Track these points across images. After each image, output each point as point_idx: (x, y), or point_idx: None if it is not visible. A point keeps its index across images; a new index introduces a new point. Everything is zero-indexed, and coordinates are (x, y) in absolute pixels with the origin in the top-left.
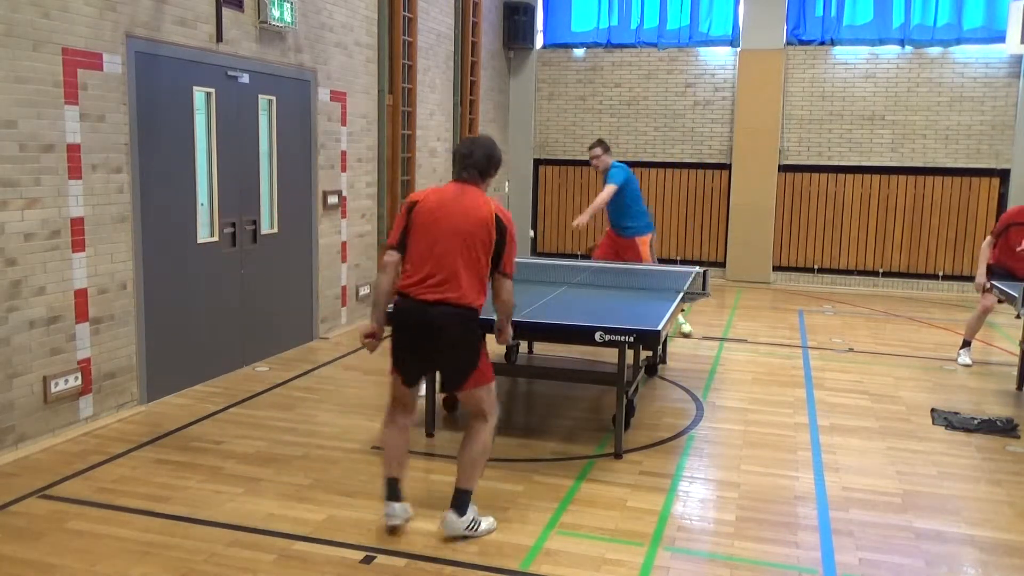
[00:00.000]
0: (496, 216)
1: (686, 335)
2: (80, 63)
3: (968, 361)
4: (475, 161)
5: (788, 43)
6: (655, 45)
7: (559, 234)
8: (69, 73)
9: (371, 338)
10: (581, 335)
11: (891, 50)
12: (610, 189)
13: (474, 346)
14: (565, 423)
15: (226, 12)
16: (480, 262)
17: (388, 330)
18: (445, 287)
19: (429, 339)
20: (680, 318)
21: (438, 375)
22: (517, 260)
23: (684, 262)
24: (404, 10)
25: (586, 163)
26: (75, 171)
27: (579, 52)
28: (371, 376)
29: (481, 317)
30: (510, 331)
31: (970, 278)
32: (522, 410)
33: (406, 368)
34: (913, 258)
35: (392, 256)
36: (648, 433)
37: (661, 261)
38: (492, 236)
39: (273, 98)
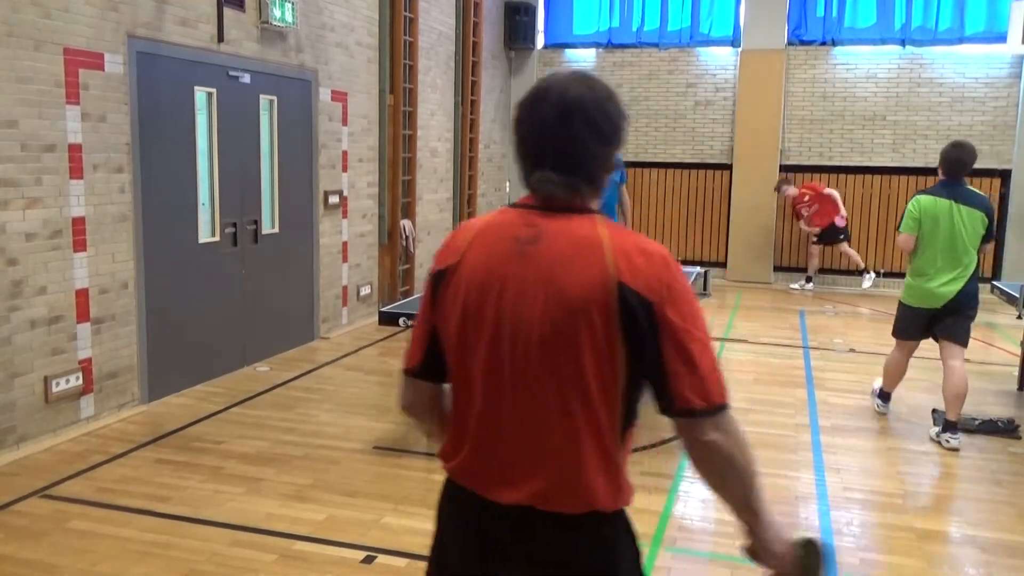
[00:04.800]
0: (619, 281)
1: None
2: (81, 63)
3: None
4: (565, 142)
5: (789, 43)
6: (656, 45)
7: None
8: (70, 73)
9: None
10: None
11: (892, 50)
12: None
13: None
14: None
15: (227, 12)
16: (595, 399)
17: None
18: (523, 473)
19: None
20: None
21: None
22: None
23: (685, 262)
24: (405, 10)
25: None
26: (76, 171)
27: (580, 52)
28: (372, 376)
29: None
30: (776, 534)
31: None
32: None
33: None
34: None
35: (415, 391)
36: (649, 433)
37: None
38: (614, 326)
39: (274, 98)
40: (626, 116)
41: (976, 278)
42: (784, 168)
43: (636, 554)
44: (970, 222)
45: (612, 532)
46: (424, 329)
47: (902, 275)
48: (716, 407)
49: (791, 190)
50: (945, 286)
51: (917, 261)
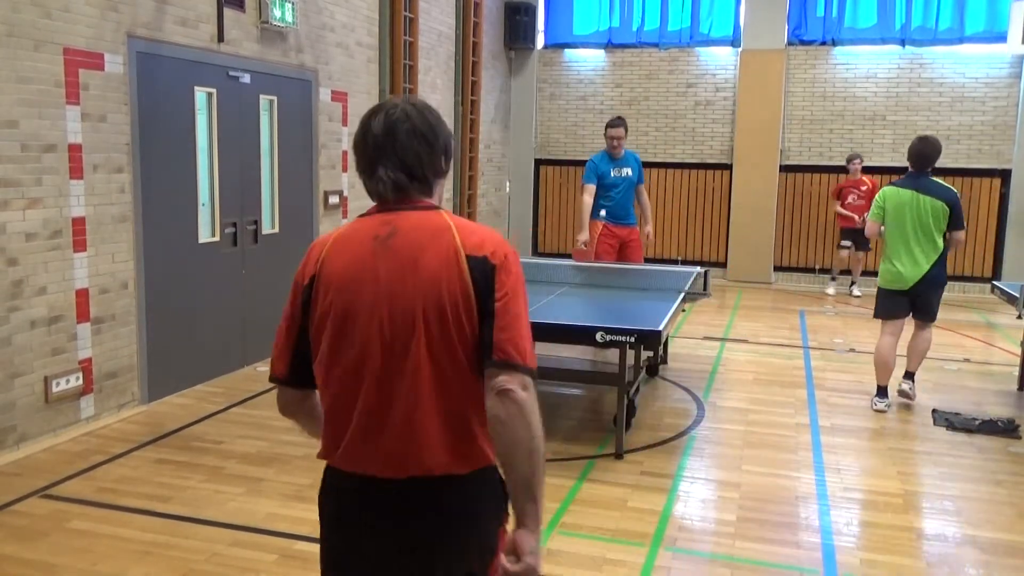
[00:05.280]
0: (465, 252)
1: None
2: (81, 63)
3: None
4: (401, 153)
5: (789, 43)
6: (656, 45)
7: (560, 235)
8: (71, 73)
9: None
10: (582, 335)
11: (892, 50)
12: (642, 187)
13: (488, 553)
14: (566, 423)
15: (227, 12)
16: (462, 364)
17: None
18: (417, 445)
19: (404, 550)
20: None
21: None
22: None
23: (685, 262)
24: (405, 10)
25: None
26: (76, 171)
27: (580, 52)
28: None
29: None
30: (538, 540)
31: (971, 279)
32: None
33: None
34: None
35: (285, 399)
36: (649, 433)
37: (662, 261)
38: (468, 298)
39: (274, 98)
40: (447, 133)
41: (942, 262)
42: (784, 168)
43: (504, 509)
44: (932, 211)
45: (488, 483)
46: (289, 337)
47: None
48: (528, 368)
49: (858, 168)
50: (911, 269)
51: (887, 247)
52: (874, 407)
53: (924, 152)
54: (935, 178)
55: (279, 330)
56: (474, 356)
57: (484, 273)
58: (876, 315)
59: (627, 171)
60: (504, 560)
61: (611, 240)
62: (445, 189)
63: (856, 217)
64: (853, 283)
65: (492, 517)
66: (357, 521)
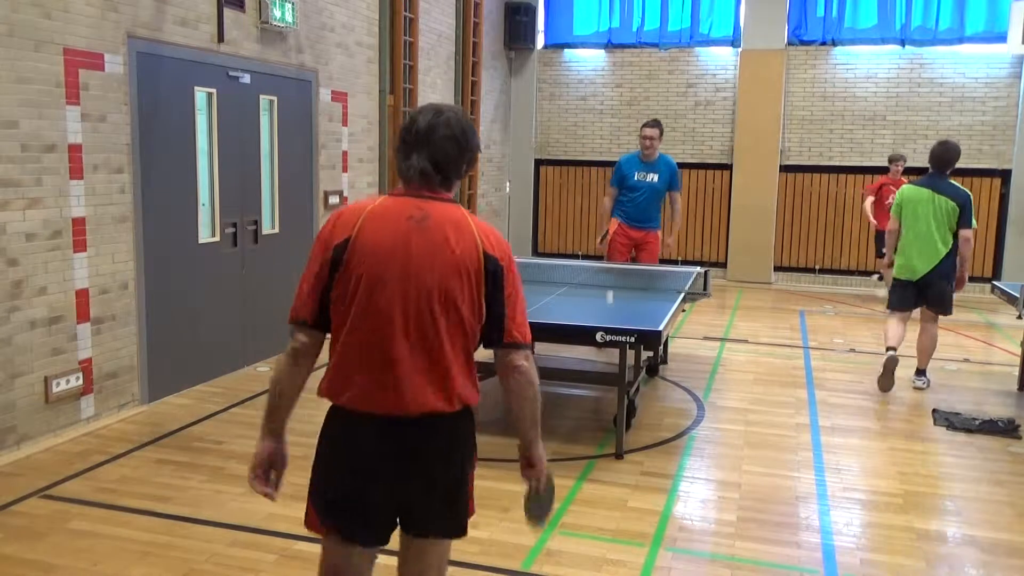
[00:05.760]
0: (484, 251)
1: None
2: (81, 63)
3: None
4: (436, 150)
5: (789, 43)
6: (656, 45)
7: (560, 234)
8: (70, 73)
9: (261, 480)
10: (582, 335)
11: (892, 50)
12: (677, 195)
13: (464, 475)
14: (566, 423)
15: (227, 12)
16: (468, 333)
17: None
18: (426, 388)
19: (387, 478)
20: None
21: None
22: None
23: (685, 262)
24: (405, 10)
25: (587, 163)
26: (76, 171)
27: (580, 53)
28: None
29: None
30: (543, 456)
31: (971, 279)
32: None
33: (354, 520)
34: None
35: (304, 340)
36: (649, 433)
37: (662, 262)
38: (480, 286)
39: (274, 98)
40: (476, 139)
41: (951, 256)
42: (784, 168)
43: (474, 441)
44: (945, 210)
45: (467, 421)
46: (315, 288)
47: None
48: (528, 344)
49: (899, 169)
50: (922, 263)
51: (901, 240)
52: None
53: (943, 156)
54: (952, 180)
55: (304, 279)
56: (473, 329)
57: (495, 271)
58: (889, 306)
59: (653, 177)
60: (522, 469)
61: (624, 240)
62: None
63: (877, 219)
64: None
65: (469, 442)
66: (372, 451)
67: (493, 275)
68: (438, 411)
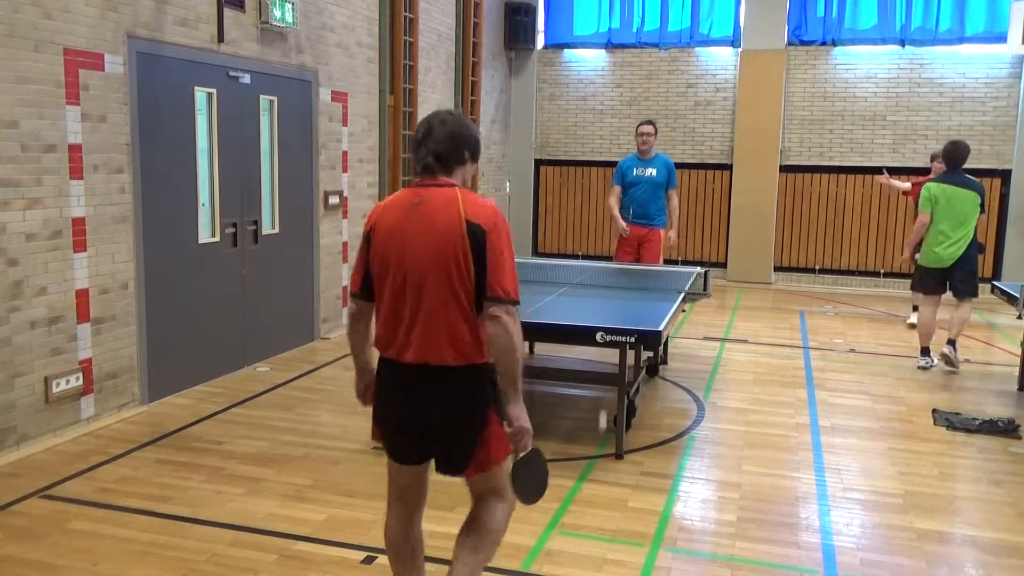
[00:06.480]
0: (467, 220)
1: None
2: (81, 63)
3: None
4: (435, 144)
5: (789, 43)
6: (656, 46)
7: (560, 235)
8: (70, 73)
9: (363, 398)
10: (582, 335)
11: (892, 50)
12: (672, 192)
13: (481, 419)
14: (566, 423)
15: (227, 12)
16: (464, 296)
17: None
18: (431, 344)
19: (416, 415)
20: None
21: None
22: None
23: (685, 262)
24: (405, 10)
25: (587, 164)
26: (76, 171)
27: (580, 53)
28: None
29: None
30: (522, 411)
31: None
32: None
33: (392, 439)
34: None
35: (354, 307)
36: (649, 433)
37: (666, 261)
38: (466, 249)
39: (274, 98)
40: (471, 133)
41: (975, 243)
42: (784, 168)
43: (494, 393)
44: (968, 201)
45: (480, 375)
46: (359, 265)
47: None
48: (512, 299)
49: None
50: (949, 250)
51: (929, 233)
52: (918, 365)
53: (955, 154)
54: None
55: (356, 258)
56: (470, 290)
57: (478, 234)
58: (916, 288)
59: (651, 171)
60: (504, 427)
61: (627, 239)
62: None
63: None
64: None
65: (479, 391)
66: (402, 389)
67: (475, 238)
68: (443, 363)
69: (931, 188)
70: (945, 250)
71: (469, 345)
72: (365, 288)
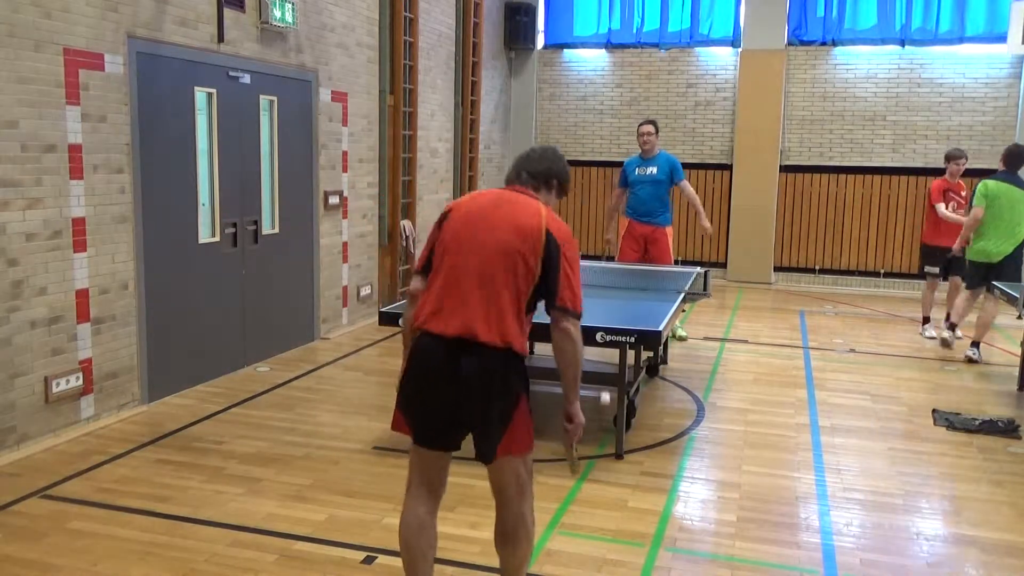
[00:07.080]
0: (547, 229)
1: (681, 339)
2: (81, 63)
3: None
4: (532, 165)
5: (789, 44)
6: (656, 46)
7: None
8: (70, 73)
9: None
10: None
11: (892, 50)
12: (684, 183)
13: (512, 398)
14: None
15: (227, 12)
16: (521, 288)
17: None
18: (481, 321)
19: (448, 391)
20: (677, 323)
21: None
22: None
23: (685, 262)
24: (405, 10)
25: (587, 164)
26: (76, 171)
27: (580, 53)
28: (372, 376)
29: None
30: (579, 413)
31: None
32: None
33: (418, 422)
34: (914, 259)
35: (417, 284)
36: (649, 434)
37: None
38: (538, 254)
39: (274, 98)
40: (563, 170)
41: (1022, 244)
42: (784, 168)
43: (526, 383)
44: (1021, 200)
45: (517, 362)
46: (428, 245)
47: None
48: (577, 312)
49: (960, 170)
50: (1000, 247)
51: (982, 228)
52: (943, 337)
53: (1016, 154)
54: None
55: (428, 238)
56: (528, 291)
57: (552, 246)
58: (969, 286)
59: (652, 170)
60: (564, 424)
61: (632, 238)
62: (445, 190)
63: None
64: (954, 325)
65: (514, 374)
66: (437, 368)
67: (550, 246)
68: (485, 341)
69: (989, 185)
70: (996, 247)
71: (513, 336)
72: (426, 265)
